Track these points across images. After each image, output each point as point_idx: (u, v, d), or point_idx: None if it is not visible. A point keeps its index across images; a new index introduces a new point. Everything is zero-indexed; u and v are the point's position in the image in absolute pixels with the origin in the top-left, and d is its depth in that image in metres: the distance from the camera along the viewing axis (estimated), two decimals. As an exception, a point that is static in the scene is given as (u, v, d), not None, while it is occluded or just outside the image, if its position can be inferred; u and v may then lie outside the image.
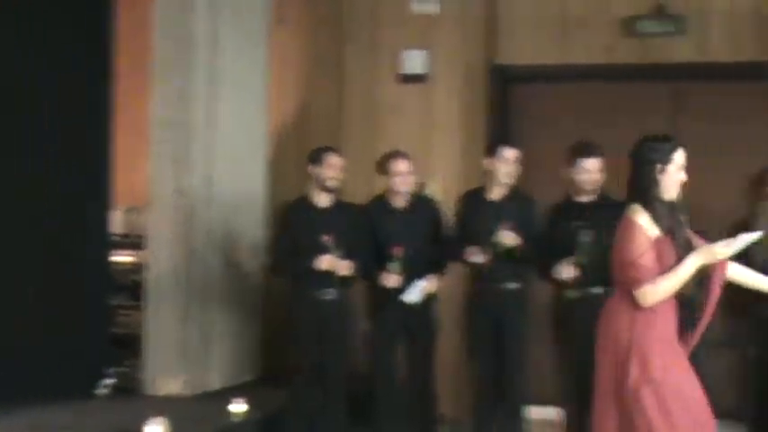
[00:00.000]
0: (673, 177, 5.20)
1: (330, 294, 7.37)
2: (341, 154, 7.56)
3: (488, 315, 7.43)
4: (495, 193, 7.49)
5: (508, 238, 7.24)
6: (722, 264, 5.21)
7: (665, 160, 5.18)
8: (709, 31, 8.85)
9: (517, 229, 7.27)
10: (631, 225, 5.13)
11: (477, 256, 7.31)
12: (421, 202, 7.71)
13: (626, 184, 5.26)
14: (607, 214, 7.08)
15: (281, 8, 9.24)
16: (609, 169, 7.23)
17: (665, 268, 5.12)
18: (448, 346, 7.98)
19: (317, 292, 7.35)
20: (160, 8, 8.40)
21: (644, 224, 5.11)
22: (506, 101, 9.43)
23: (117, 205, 9.20)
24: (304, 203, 7.52)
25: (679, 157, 5.22)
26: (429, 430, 7.67)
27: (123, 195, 9.37)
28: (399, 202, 7.57)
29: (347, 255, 7.31)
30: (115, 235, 9.21)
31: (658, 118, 9.02)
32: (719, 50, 8.83)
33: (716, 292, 5.23)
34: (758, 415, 6.90)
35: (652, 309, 5.15)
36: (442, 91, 9.08)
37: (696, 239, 5.25)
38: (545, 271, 7.24)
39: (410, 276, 7.39)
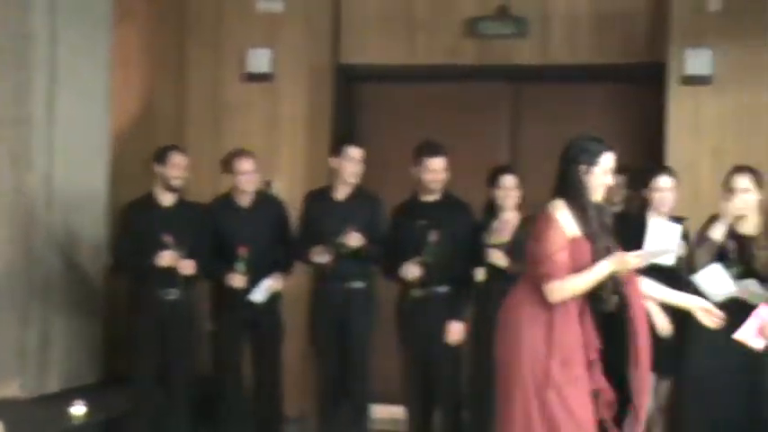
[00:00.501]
0: (598, 179, 5.25)
1: (173, 294, 7.31)
2: (185, 153, 7.50)
3: (333, 314, 7.44)
4: (341, 193, 7.51)
5: (353, 239, 7.26)
6: (631, 277, 5.23)
7: (592, 162, 5.22)
8: (549, 34, 9.01)
9: (362, 228, 7.30)
10: (549, 220, 5.14)
11: (321, 257, 7.32)
12: (266, 202, 7.69)
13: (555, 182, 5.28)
14: (451, 214, 7.22)
15: (124, 4, 9.10)
16: (452, 169, 7.32)
17: (576, 268, 5.15)
18: (293, 345, 7.97)
19: (160, 292, 7.28)
20: (-3, 3, 8.21)
21: (562, 221, 5.14)
22: (352, 100, 9.46)
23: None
24: (147, 202, 7.45)
25: (606, 160, 5.25)
26: (274, 430, 7.65)
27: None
28: (244, 201, 7.54)
29: (189, 254, 7.25)
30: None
31: (500, 118, 9.17)
32: (559, 53, 8.99)
33: (639, 307, 5.24)
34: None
35: (567, 309, 5.19)
36: (288, 90, 9.06)
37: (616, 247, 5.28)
38: (390, 270, 7.29)
39: (256, 276, 7.36)
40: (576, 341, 5.22)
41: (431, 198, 7.31)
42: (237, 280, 7.32)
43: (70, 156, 8.44)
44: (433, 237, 7.08)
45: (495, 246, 7.15)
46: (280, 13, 9.05)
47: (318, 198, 7.62)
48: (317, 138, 9.01)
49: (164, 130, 9.04)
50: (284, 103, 9.06)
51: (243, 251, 7.28)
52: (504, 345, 5.28)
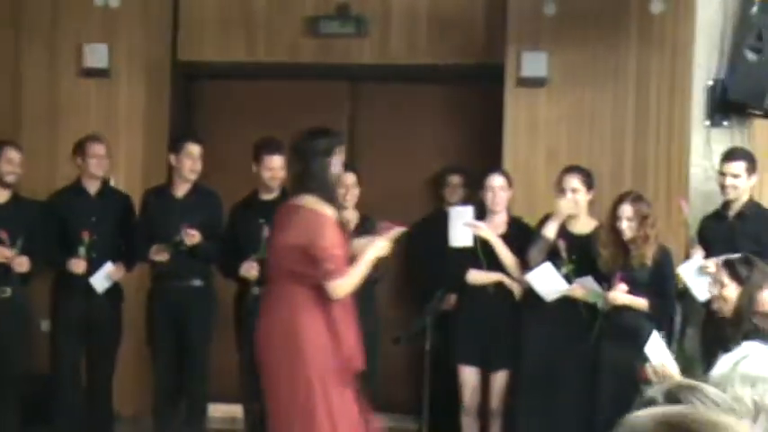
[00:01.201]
0: (336, 170, 5.32)
1: (6, 292, 7.17)
2: (20, 149, 7.35)
3: (170, 313, 7.39)
4: (180, 190, 7.46)
5: (190, 236, 7.21)
6: None
7: (331, 153, 5.29)
8: (388, 34, 9.07)
9: (201, 226, 7.26)
10: (321, 217, 5.17)
11: (160, 255, 7.25)
12: (112, 192, 7.64)
13: (292, 177, 5.30)
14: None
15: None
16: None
17: (347, 261, 5.22)
18: (129, 344, 7.87)
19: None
20: None
21: (332, 215, 5.18)
22: (190, 97, 9.39)
23: None
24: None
25: (341, 150, 5.33)
26: (105, 429, 7.55)
27: None
28: (92, 187, 7.45)
29: (24, 251, 7.11)
30: None
31: (339, 117, 9.18)
32: (398, 52, 9.07)
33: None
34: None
35: (344, 305, 5.23)
36: (125, 86, 8.94)
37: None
38: (229, 268, 7.26)
39: (97, 263, 7.26)
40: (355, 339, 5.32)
41: (270, 196, 7.31)
42: (78, 264, 7.20)
43: None
44: (267, 234, 7.09)
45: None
46: (117, 8, 8.92)
47: (157, 195, 7.56)
48: (155, 135, 8.91)
49: (-1, 126, 8.85)
50: (122, 99, 8.93)
51: (85, 235, 7.21)
52: (285, 347, 5.26)
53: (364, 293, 7.13)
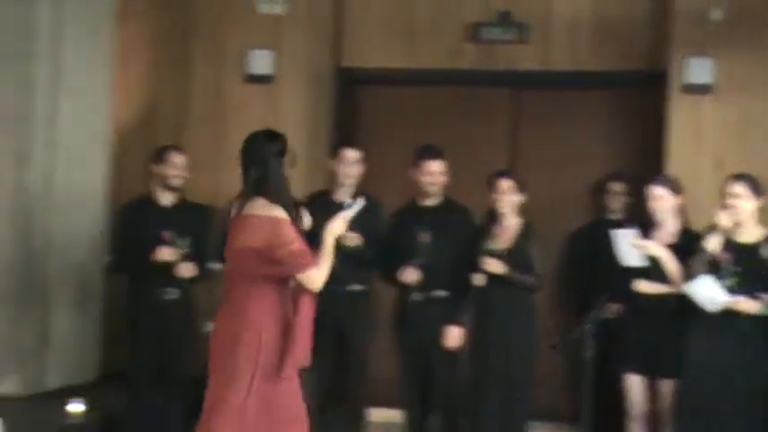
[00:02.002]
0: (286, 171, 5.39)
1: (172, 294, 7.30)
2: (184, 153, 7.50)
3: (330, 317, 7.44)
4: (341, 195, 7.51)
5: (349, 238, 7.26)
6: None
7: (284, 154, 5.36)
8: (550, 40, 9.03)
9: (361, 231, 7.29)
10: (274, 221, 5.22)
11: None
12: None
13: (247, 179, 5.32)
14: (450, 218, 7.23)
15: (128, 3, 9.11)
16: (451, 173, 7.34)
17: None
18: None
19: (159, 291, 7.28)
20: (0, -1, 8.22)
21: (284, 216, 5.24)
22: (352, 103, 9.47)
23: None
24: (146, 202, 7.47)
25: (287, 150, 5.43)
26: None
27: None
28: None
29: (190, 254, 7.25)
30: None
31: (500, 123, 9.19)
32: (560, 59, 9.02)
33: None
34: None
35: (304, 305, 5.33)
36: (288, 92, 9.06)
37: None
38: (389, 274, 7.29)
39: None
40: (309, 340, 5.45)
41: (430, 202, 7.33)
42: None
43: (71, 154, 8.43)
44: (424, 238, 7.10)
45: (491, 252, 7.13)
46: (281, 15, 9.05)
47: (319, 200, 7.62)
48: (317, 140, 9.02)
49: (165, 130, 9.05)
50: (285, 105, 9.06)
51: None
52: (233, 340, 5.28)
53: (519, 300, 7.11)
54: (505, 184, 7.22)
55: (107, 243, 8.43)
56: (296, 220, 5.31)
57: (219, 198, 8.34)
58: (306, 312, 5.36)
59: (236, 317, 5.28)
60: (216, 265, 7.54)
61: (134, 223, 7.40)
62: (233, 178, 7.62)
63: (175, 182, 7.39)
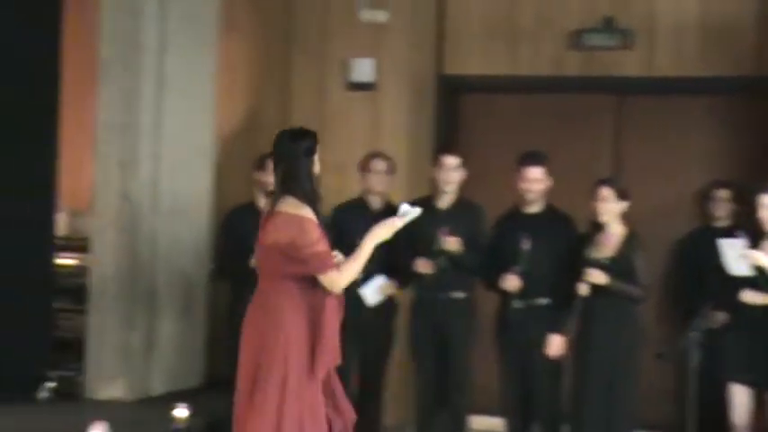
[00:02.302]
0: (317, 168, 5.36)
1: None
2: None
3: (433, 324, 7.44)
4: (443, 202, 7.51)
5: (450, 243, 7.24)
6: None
7: (313, 153, 5.35)
8: (655, 46, 8.94)
9: (463, 237, 7.28)
10: (300, 220, 5.20)
11: (426, 267, 7.30)
12: (391, 207, 7.69)
13: (280, 179, 5.31)
14: (552, 226, 7.18)
15: (231, 13, 9.22)
16: (554, 181, 7.29)
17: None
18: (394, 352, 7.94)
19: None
20: (108, 11, 8.36)
21: (311, 216, 5.22)
22: (453, 111, 9.47)
23: (61, 207, 9.14)
24: (249, 209, 7.51)
25: (317, 148, 5.40)
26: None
27: (67, 198, 9.31)
28: (375, 203, 7.57)
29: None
30: (59, 238, 9.13)
31: (603, 130, 9.12)
32: (665, 65, 8.92)
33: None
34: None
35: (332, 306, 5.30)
36: (390, 99, 9.09)
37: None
38: (491, 280, 7.27)
39: (369, 271, 7.37)
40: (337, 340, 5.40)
41: (532, 209, 7.29)
42: None
43: (175, 162, 8.56)
44: (526, 245, 7.05)
45: (595, 262, 7.05)
46: (383, 23, 9.08)
47: (422, 207, 7.59)
48: (419, 147, 9.03)
49: (268, 138, 9.00)
50: (386, 112, 9.09)
51: None
52: (268, 344, 5.28)
53: (623, 310, 7.03)
54: (605, 191, 7.14)
55: (211, 249, 8.53)
56: (320, 217, 5.30)
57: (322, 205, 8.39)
58: (330, 313, 5.33)
59: (265, 315, 5.31)
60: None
61: (236, 230, 7.46)
62: (334, 185, 7.72)
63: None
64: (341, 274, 5.25)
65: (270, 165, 7.42)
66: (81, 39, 8.84)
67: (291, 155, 5.36)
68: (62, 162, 8.57)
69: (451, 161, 7.47)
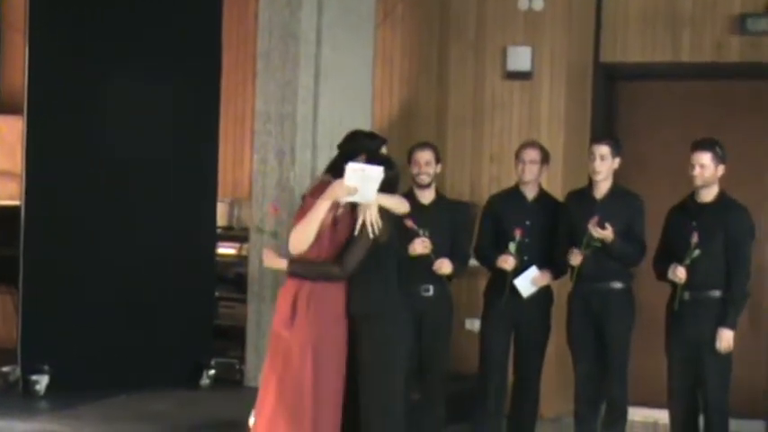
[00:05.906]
0: None
1: (428, 291, 7.34)
2: (430, 149, 7.47)
3: (590, 315, 7.35)
4: (600, 192, 7.39)
5: (599, 231, 7.12)
6: None
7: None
8: (819, 30, 8.69)
9: (618, 226, 7.16)
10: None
11: (576, 258, 7.23)
12: (546, 197, 7.64)
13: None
14: (725, 216, 6.96)
15: (387, 4, 9.25)
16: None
17: None
18: (551, 346, 7.87)
19: (415, 288, 7.30)
20: (265, 4, 8.47)
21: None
22: (611, 99, 9.36)
23: (221, 198, 9.30)
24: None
25: None
26: (528, 428, 7.62)
27: (227, 188, 9.48)
28: (530, 192, 7.52)
29: (447, 252, 7.27)
30: (219, 227, 9.30)
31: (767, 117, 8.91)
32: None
33: None
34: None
35: None
36: (547, 88, 9.02)
37: None
38: (660, 271, 7.13)
39: (524, 263, 7.34)
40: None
41: (706, 199, 7.07)
42: (506, 261, 7.29)
43: (333, 152, 8.60)
44: (694, 238, 6.89)
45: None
46: (540, 11, 9.02)
47: (578, 197, 7.54)
48: (577, 136, 8.95)
49: (425, 128, 9.14)
50: (543, 101, 9.02)
51: (518, 233, 7.25)
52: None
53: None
54: None
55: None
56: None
57: (478, 194, 8.39)
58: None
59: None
60: (474, 261, 7.58)
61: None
62: (493, 173, 7.69)
63: (421, 179, 7.40)
64: (292, 233, 5.68)
65: (413, 155, 7.46)
66: (237, 30, 8.99)
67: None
68: (222, 153, 8.72)
69: (601, 150, 7.34)
